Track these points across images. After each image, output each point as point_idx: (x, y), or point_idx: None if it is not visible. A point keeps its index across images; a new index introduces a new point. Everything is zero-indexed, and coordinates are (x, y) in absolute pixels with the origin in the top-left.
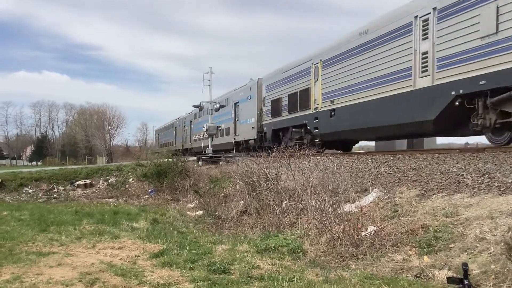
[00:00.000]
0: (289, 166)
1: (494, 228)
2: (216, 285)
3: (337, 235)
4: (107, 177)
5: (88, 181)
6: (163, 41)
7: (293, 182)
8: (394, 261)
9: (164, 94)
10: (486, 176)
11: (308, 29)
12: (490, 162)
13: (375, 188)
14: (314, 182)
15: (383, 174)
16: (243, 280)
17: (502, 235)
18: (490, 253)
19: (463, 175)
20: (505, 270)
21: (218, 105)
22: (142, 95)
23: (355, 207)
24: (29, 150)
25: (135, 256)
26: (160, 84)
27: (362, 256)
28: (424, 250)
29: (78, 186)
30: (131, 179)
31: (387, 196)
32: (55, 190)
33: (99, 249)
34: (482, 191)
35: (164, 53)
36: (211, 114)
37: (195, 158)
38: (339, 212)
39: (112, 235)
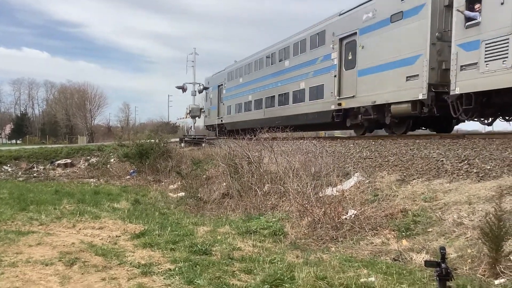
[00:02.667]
0: (271, 149)
1: (472, 213)
2: (197, 266)
3: (318, 218)
4: (88, 157)
5: (68, 160)
6: (147, 20)
7: (275, 165)
8: (373, 244)
9: (147, 74)
10: (465, 162)
11: (294, 12)
12: (469, 148)
13: (357, 172)
14: (296, 166)
15: (364, 159)
16: (224, 262)
17: (479, 220)
18: (467, 237)
19: (443, 160)
20: (481, 254)
21: (202, 87)
22: (125, 74)
23: (337, 191)
24: (8, 128)
25: (116, 236)
26: (143, 64)
27: (342, 239)
28: (403, 233)
29: (59, 165)
30: (112, 160)
31: (368, 181)
32: (35, 169)
33: (80, 229)
34: (461, 176)
35: (148, 32)
36: (195, 95)
37: (177, 139)
38: (320, 195)
39: (92, 215)
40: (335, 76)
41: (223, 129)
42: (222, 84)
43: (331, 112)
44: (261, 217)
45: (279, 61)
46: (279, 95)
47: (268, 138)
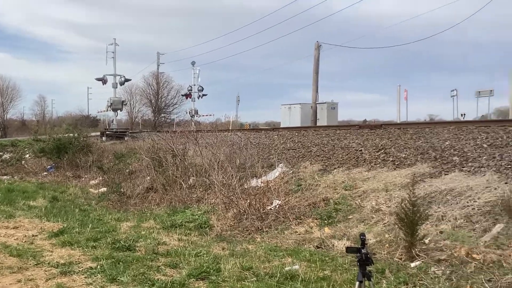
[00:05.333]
0: (196, 141)
1: (389, 200)
2: (121, 263)
3: (243, 209)
4: (1, 153)
5: None
6: (63, 8)
7: (200, 158)
8: (297, 233)
9: (64, 65)
10: (382, 151)
11: (225, 3)
12: (386, 138)
13: (281, 163)
14: (221, 158)
15: (288, 150)
16: (148, 257)
17: (396, 207)
18: (385, 223)
19: (361, 150)
20: (398, 239)
21: (123, 79)
22: (39, 65)
23: (262, 182)
24: None
25: (33, 235)
26: (59, 54)
27: (267, 229)
28: (325, 221)
29: None
30: (27, 155)
31: (291, 171)
32: None
33: None
34: (379, 165)
35: (63, 21)
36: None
37: (98, 133)
38: (245, 187)
39: (6, 214)
40: None
41: None
42: None
43: None
44: (186, 210)
45: None
46: None
47: (193, 131)
